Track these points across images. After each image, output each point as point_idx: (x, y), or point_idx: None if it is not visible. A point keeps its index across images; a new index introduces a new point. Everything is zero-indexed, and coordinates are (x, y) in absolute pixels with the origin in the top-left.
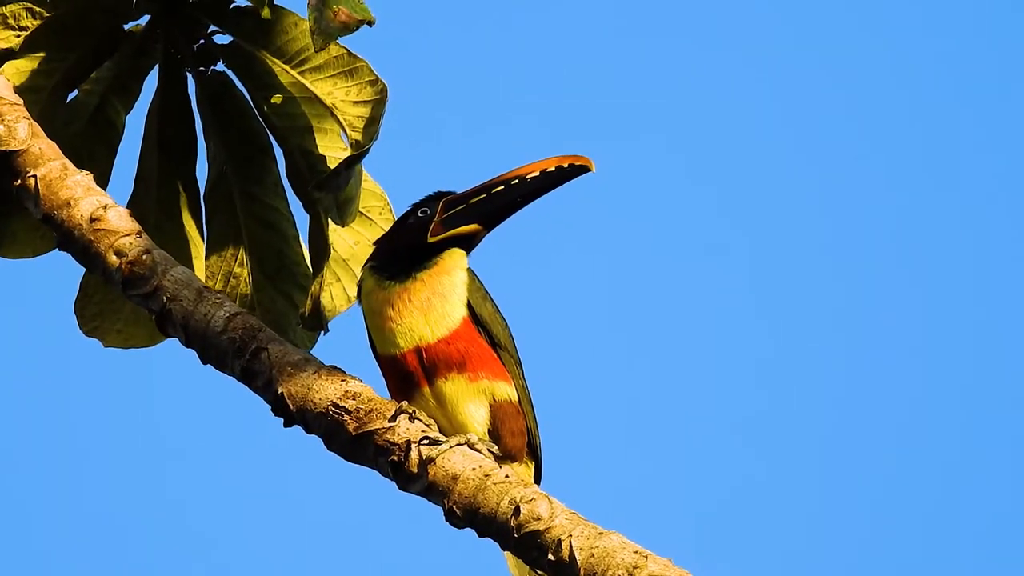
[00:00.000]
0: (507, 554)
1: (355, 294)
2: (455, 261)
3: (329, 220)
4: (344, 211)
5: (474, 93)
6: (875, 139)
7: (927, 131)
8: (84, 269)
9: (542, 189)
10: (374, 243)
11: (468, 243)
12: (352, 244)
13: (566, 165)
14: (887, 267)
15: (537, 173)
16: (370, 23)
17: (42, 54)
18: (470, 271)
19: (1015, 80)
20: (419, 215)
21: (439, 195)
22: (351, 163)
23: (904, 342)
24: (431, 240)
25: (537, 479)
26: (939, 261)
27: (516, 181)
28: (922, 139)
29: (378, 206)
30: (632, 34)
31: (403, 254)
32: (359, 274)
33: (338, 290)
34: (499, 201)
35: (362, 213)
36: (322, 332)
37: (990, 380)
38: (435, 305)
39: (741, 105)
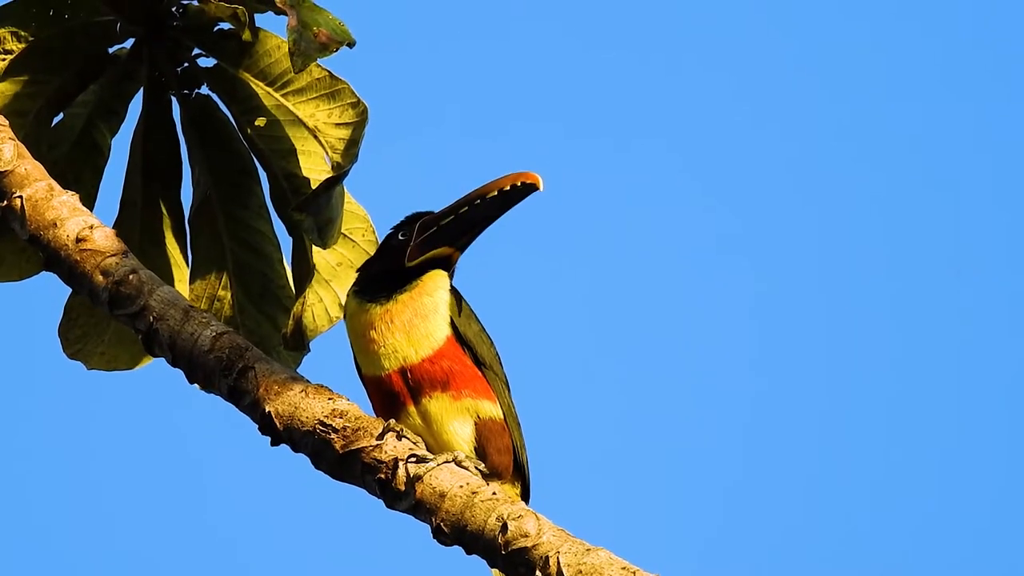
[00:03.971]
0: (494, 572)
1: (337, 314)
2: (436, 282)
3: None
4: (325, 233)
5: (458, 112)
6: (876, 140)
7: (927, 132)
8: (68, 293)
9: (500, 208)
10: (358, 270)
11: (445, 264)
12: (335, 265)
13: (519, 183)
14: (887, 268)
15: (495, 192)
16: (350, 44)
17: (27, 77)
18: (454, 290)
19: (1013, 81)
20: (399, 238)
21: (416, 216)
22: (330, 185)
23: (904, 342)
24: (409, 264)
25: (525, 497)
26: (939, 262)
27: (478, 201)
28: (922, 139)
29: (361, 227)
30: (628, 37)
31: (384, 277)
32: (342, 295)
33: (320, 310)
34: (465, 222)
35: (345, 235)
36: (305, 352)
37: (990, 381)
38: (417, 325)
39: (742, 105)
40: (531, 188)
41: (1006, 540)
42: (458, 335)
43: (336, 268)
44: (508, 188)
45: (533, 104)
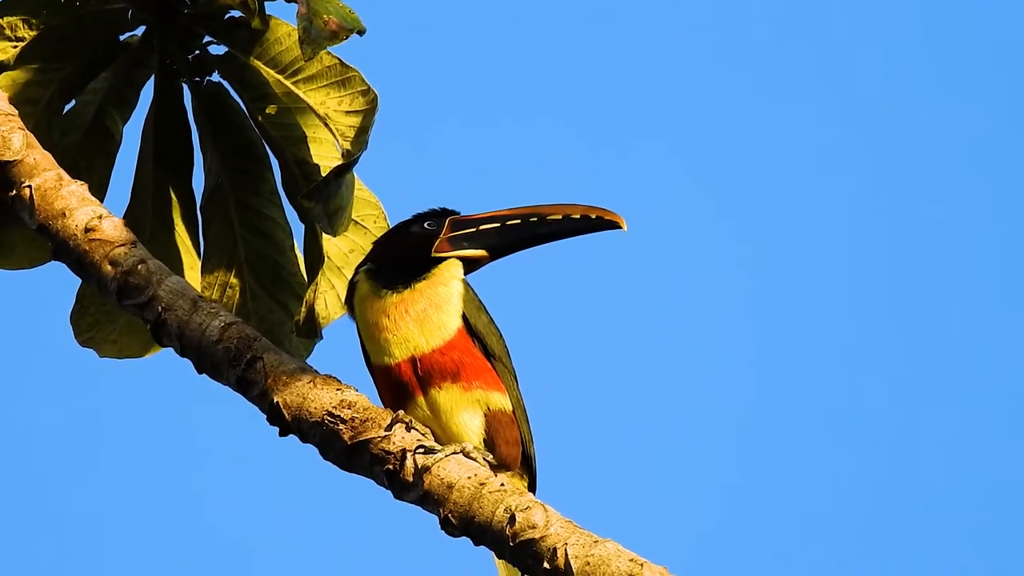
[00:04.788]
0: (498, 563)
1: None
2: (451, 272)
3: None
4: (334, 220)
5: (469, 101)
6: (876, 139)
7: (927, 131)
8: (80, 281)
9: (560, 233)
10: (373, 243)
11: (470, 265)
12: (347, 252)
13: (594, 216)
14: (886, 268)
15: (559, 216)
16: (360, 32)
17: (38, 65)
18: (465, 282)
19: (1011, 82)
20: (425, 226)
21: (445, 212)
22: (340, 172)
23: (903, 343)
24: (435, 255)
25: (531, 490)
26: (939, 262)
27: (535, 219)
28: (922, 139)
29: (372, 215)
30: (630, 37)
31: (401, 263)
32: None
33: (332, 297)
34: (512, 234)
35: (356, 222)
36: (317, 339)
37: (990, 382)
38: (431, 315)
39: (741, 106)
40: (611, 226)
41: (1006, 540)
42: (469, 326)
43: (348, 255)
44: (579, 216)
45: (544, 93)
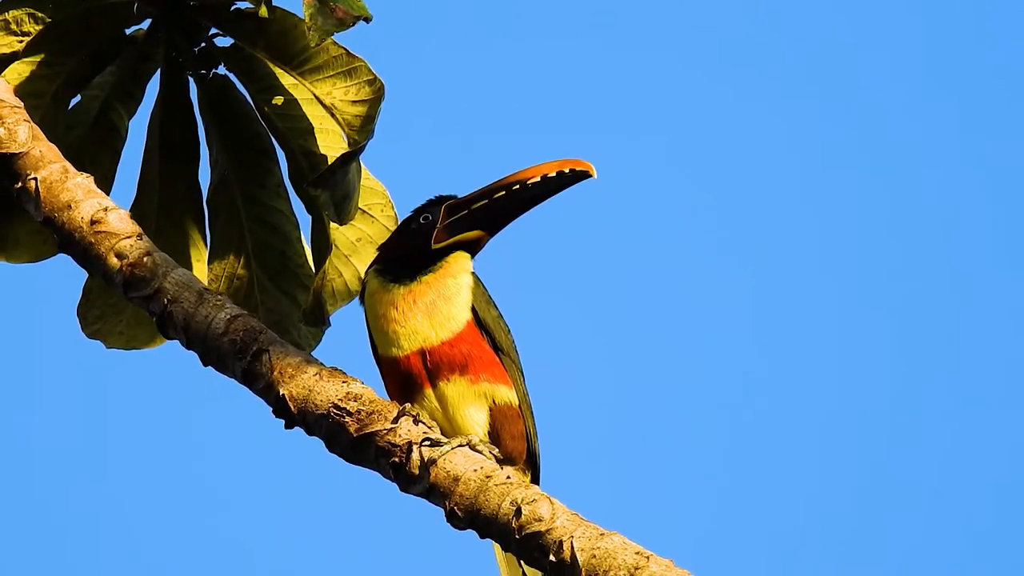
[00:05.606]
0: (498, 557)
1: (357, 288)
2: (461, 264)
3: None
4: (341, 209)
5: (475, 89)
6: (875, 140)
7: (927, 131)
8: (86, 274)
9: (544, 194)
10: (377, 249)
11: (472, 247)
12: (354, 241)
13: (567, 170)
14: (885, 268)
15: (538, 178)
16: (367, 19)
17: (44, 58)
18: (475, 275)
19: (1012, 82)
20: (421, 221)
21: (440, 199)
22: (346, 160)
23: (902, 343)
24: (435, 247)
25: (535, 484)
26: (939, 263)
27: (517, 186)
28: (922, 139)
29: (380, 203)
30: (637, 32)
31: (407, 258)
32: (362, 270)
33: (340, 284)
34: (501, 206)
35: (363, 210)
36: (325, 327)
37: (990, 382)
38: (440, 307)
39: (742, 107)
40: (582, 176)
41: (1006, 540)
42: (478, 320)
43: (356, 244)
44: (554, 174)
45: (550, 85)
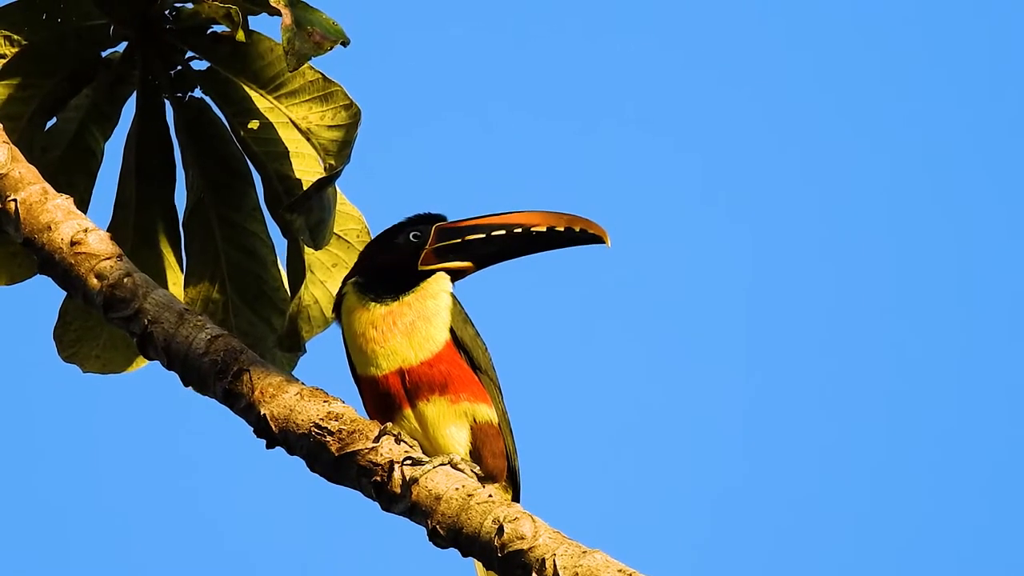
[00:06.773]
0: (483, 574)
1: (332, 315)
2: (440, 285)
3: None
4: (316, 234)
5: (451, 112)
6: (875, 140)
7: (927, 131)
8: (62, 296)
9: (545, 246)
10: (360, 253)
11: (456, 275)
12: (330, 266)
13: (577, 229)
14: (885, 268)
15: (543, 228)
16: (344, 43)
17: (20, 81)
18: (453, 295)
19: (1012, 82)
20: (411, 238)
21: (430, 217)
22: (321, 186)
23: (901, 343)
24: (421, 268)
25: (516, 502)
26: (938, 263)
27: (519, 230)
28: (922, 139)
29: (356, 229)
30: (601, 44)
31: (389, 275)
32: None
33: (316, 311)
34: (498, 245)
35: (339, 235)
36: (300, 353)
37: (990, 383)
38: (419, 328)
39: (742, 107)
40: (593, 240)
41: (1005, 540)
42: (456, 339)
43: (331, 269)
44: (563, 229)
45: (528, 104)
